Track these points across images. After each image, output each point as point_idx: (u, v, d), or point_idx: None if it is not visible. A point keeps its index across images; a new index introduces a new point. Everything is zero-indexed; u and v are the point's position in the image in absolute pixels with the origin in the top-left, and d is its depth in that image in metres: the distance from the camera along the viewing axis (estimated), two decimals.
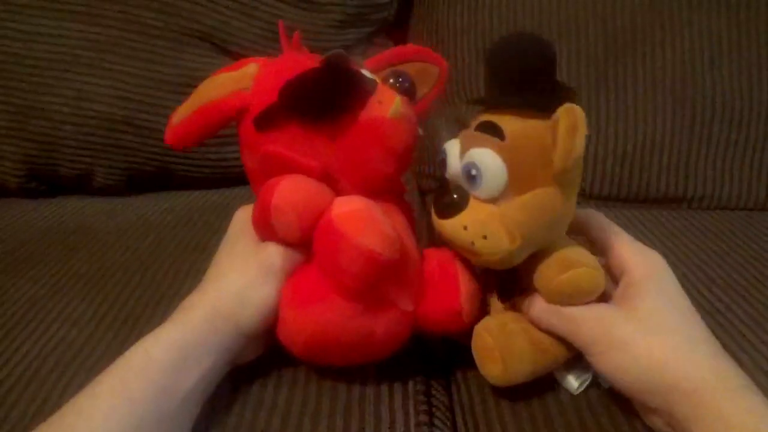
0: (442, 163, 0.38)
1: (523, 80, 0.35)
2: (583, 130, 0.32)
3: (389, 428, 0.37)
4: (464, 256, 0.39)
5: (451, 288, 0.39)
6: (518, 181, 0.35)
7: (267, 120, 0.37)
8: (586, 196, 0.72)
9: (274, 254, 0.37)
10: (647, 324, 0.35)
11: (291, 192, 0.36)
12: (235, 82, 0.39)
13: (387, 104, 0.37)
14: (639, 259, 0.38)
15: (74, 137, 0.69)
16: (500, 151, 0.34)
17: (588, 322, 0.36)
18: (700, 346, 0.34)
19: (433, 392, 0.41)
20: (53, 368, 0.41)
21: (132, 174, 0.73)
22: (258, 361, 0.41)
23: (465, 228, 0.36)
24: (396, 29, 0.86)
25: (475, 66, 0.77)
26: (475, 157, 0.35)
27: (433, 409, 0.39)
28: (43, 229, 0.64)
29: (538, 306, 0.38)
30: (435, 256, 0.41)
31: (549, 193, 0.35)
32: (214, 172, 0.74)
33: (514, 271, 0.39)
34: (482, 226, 0.35)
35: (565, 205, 0.36)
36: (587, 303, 0.37)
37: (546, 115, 0.34)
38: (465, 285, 0.39)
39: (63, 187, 0.73)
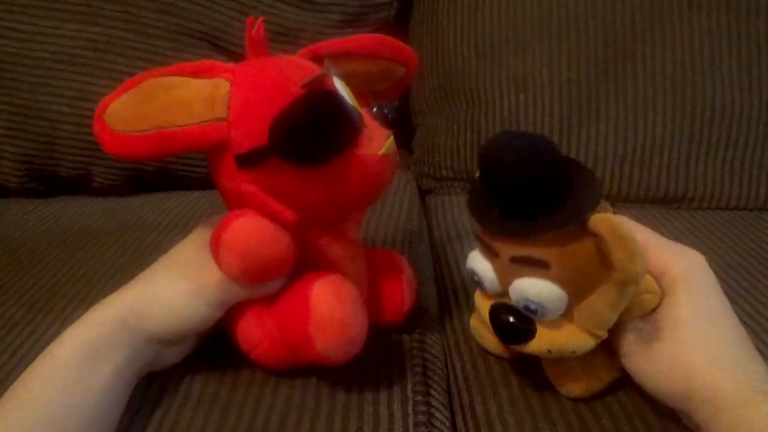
0: (477, 284, 0.37)
1: (531, 196, 0.33)
2: (636, 246, 0.31)
3: (388, 429, 0.37)
4: None
5: (396, 286, 0.44)
6: (578, 295, 0.34)
7: (252, 160, 0.35)
8: None
9: (215, 284, 0.37)
10: (672, 332, 0.35)
11: (242, 235, 0.35)
12: (207, 109, 0.34)
13: (377, 142, 0.36)
14: (673, 261, 0.37)
15: (74, 137, 0.69)
16: (552, 279, 0.33)
17: (617, 330, 0.37)
18: (723, 354, 0.33)
19: (432, 393, 0.41)
20: None
21: (132, 174, 0.73)
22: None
23: (549, 351, 0.35)
24: (396, 29, 0.86)
25: (475, 66, 0.76)
26: (528, 293, 0.34)
27: (432, 410, 0.39)
28: (43, 229, 0.64)
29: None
30: (381, 257, 0.45)
31: (610, 288, 0.33)
32: None
33: None
34: (566, 346, 0.35)
35: (625, 296, 0.35)
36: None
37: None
38: (407, 282, 0.44)
39: (63, 187, 0.73)
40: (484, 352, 0.44)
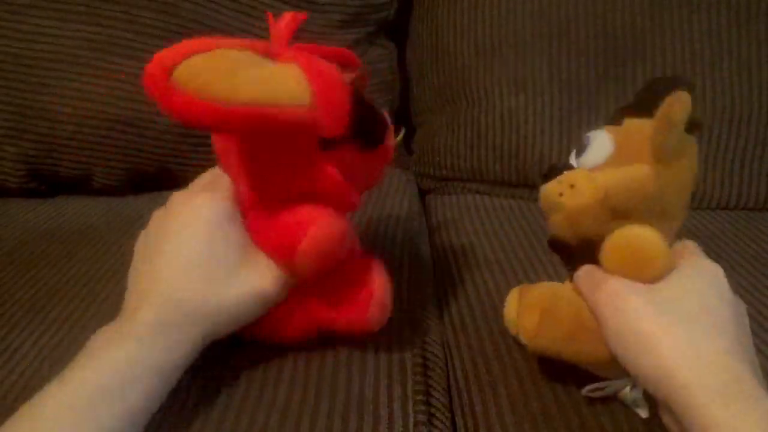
0: (581, 147, 0.40)
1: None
2: (681, 108, 0.34)
3: (388, 428, 0.37)
4: (552, 218, 0.39)
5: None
6: (619, 157, 0.38)
7: (335, 144, 0.37)
8: None
9: (274, 285, 0.39)
10: (661, 303, 0.33)
11: (324, 239, 0.37)
12: (298, 93, 0.34)
13: (392, 133, 0.43)
14: (690, 259, 0.37)
15: (74, 137, 0.69)
16: (612, 132, 0.39)
17: (605, 286, 0.35)
18: (711, 342, 0.32)
19: (432, 392, 0.41)
20: (53, 369, 0.41)
21: (132, 174, 0.73)
22: (256, 359, 0.41)
23: (559, 181, 0.38)
24: (396, 29, 0.86)
25: (475, 66, 0.77)
26: (592, 133, 0.40)
27: (432, 410, 0.39)
28: (42, 229, 0.64)
29: (581, 268, 0.38)
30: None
31: (642, 167, 0.37)
32: None
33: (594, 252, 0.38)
34: (573, 177, 0.38)
35: (656, 185, 0.36)
36: (647, 274, 0.35)
37: None
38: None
39: (63, 187, 0.73)
40: (484, 352, 0.44)
